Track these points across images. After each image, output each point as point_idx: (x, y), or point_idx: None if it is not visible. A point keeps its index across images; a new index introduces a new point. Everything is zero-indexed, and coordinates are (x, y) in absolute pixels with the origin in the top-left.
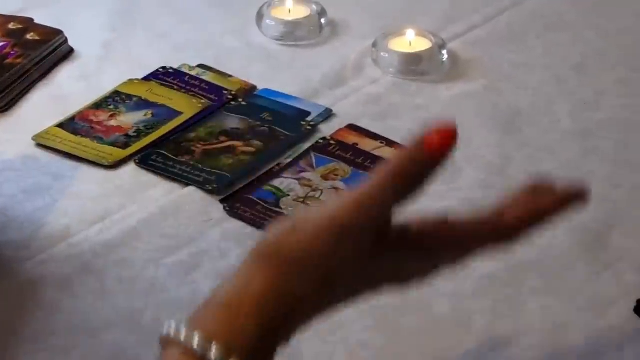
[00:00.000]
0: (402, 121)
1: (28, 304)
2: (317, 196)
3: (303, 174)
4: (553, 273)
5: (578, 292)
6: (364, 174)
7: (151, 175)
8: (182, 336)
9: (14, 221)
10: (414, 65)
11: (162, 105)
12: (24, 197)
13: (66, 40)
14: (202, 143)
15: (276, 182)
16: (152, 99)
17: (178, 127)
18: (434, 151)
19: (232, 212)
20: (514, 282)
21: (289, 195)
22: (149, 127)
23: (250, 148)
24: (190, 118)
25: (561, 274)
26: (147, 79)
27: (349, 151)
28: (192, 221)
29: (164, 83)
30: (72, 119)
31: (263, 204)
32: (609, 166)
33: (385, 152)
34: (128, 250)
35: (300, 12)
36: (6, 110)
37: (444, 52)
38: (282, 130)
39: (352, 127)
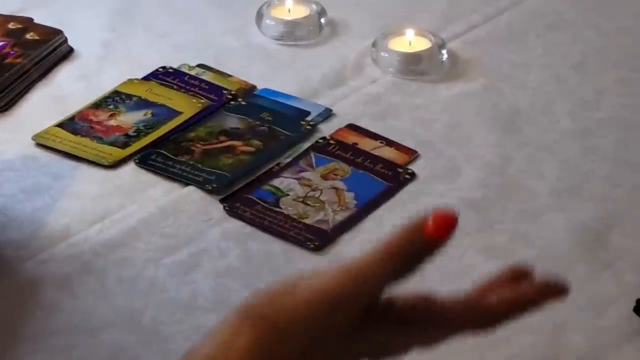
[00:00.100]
0: (402, 121)
1: (28, 304)
2: (316, 196)
3: (303, 174)
4: (553, 273)
5: (578, 291)
6: (363, 173)
7: (151, 174)
8: None
9: (13, 221)
10: (413, 65)
11: (162, 105)
12: (24, 196)
13: (66, 40)
14: (201, 143)
15: (276, 182)
16: (151, 98)
17: (178, 126)
18: (432, 238)
19: (232, 212)
20: None
21: (288, 194)
22: (149, 126)
23: (249, 148)
24: (190, 118)
25: (561, 274)
26: (146, 78)
27: (349, 151)
28: (192, 221)
29: (164, 83)
30: (71, 118)
31: (263, 203)
32: (608, 165)
33: (385, 151)
34: (128, 250)
35: (300, 11)
36: (6, 110)
37: (444, 51)
38: (281, 130)
39: (352, 127)
